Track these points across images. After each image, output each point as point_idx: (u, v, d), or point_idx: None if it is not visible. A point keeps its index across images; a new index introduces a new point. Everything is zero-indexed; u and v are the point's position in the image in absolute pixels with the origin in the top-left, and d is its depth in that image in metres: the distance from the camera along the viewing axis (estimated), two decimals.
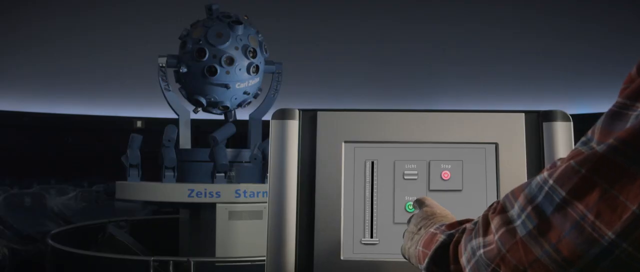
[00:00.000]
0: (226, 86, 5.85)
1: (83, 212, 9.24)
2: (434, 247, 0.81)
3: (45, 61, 11.51)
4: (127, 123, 12.25)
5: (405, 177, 1.29)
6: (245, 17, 6.13)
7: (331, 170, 1.29)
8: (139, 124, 12.44)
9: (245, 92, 6.01)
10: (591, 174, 0.56)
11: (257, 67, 5.95)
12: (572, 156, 0.59)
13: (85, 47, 11.43)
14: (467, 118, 1.31)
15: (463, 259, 0.71)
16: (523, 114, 1.31)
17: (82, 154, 12.28)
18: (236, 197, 5.43)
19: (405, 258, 0.97)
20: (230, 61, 5.81)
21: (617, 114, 0.58)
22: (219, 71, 5.78)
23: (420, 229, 0.95)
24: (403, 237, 1.00)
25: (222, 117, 6.38)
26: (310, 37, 10.77)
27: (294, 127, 1.31)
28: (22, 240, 7.71)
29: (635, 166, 0.54)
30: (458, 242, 0.76)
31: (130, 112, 12.33)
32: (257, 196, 5.47)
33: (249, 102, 6.30)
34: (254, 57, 5.88)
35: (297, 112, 1.32)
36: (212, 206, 5.45)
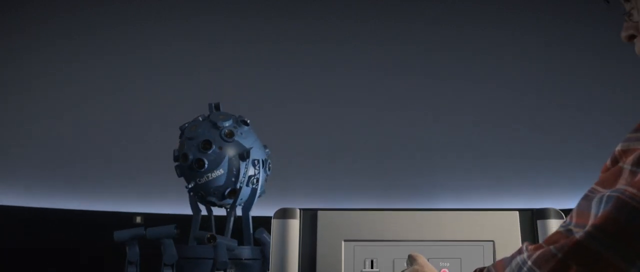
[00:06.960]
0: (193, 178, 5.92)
1: None
2: None
3: (39, 156, 11.58)
4: (126, 219, 12.15)
5: None
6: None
7: (331, 268, 1.31)
8: (138, 219, 12.36)
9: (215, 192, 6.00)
10: (567, 259, 0.62)
11: (202, 161, 5.95)
12: (551, 241, 0.65)
13: (81, 138, 11.52)
14: (464, 217, 1.35)
15: None
16: (517, 211, 1.35)
17: (79, 251, 12.12)
18: None
19: None
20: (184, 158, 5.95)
21: (587, 197, 0.65)
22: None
23: None
24: None
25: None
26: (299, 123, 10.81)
27: (294, 226, 1.34)
28: None
29: (608, 251, 0.60)
30: None
31: (130, 207, 12.28)
32: None
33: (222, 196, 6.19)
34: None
35: (298, 211, 1.35)
36: None
